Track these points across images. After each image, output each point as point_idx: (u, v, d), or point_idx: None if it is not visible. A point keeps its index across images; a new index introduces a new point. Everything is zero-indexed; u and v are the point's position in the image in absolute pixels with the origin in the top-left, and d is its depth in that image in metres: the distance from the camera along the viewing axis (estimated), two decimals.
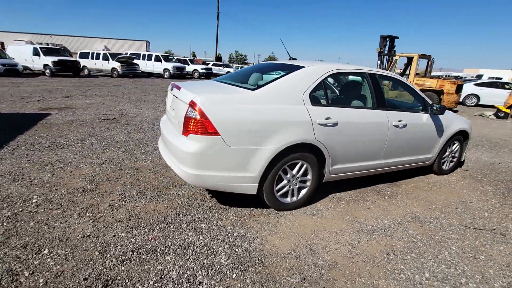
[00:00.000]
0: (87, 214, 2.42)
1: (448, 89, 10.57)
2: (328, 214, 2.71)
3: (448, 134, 3.64)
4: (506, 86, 12.51)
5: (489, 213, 2.93)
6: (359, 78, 3.13)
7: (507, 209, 3.04)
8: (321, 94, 2.74)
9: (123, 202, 2.67)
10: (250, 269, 1.90)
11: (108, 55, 18.56)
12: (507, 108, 9.72)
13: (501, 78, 24.86)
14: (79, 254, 1.93)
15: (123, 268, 1.84)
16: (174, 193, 2.92)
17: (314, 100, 2.63)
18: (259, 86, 2.57)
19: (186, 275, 1.82)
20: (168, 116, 3.01)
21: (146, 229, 2.27)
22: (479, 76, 24.05)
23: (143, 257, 1.95)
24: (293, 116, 2.47)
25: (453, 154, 3.95)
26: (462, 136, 3.91)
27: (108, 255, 1.94)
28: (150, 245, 2.08)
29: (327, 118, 2.61)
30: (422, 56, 11.58)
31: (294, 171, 2.62)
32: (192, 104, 2.25)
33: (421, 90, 11.16)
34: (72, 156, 3.71)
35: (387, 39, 12.52)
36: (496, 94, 11.89)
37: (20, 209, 2.41)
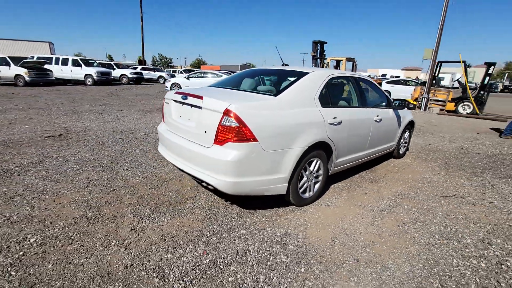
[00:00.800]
0: (112, 243, 2.14)
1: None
2: (339, 203, 3.04)
3: (403, 124, 4.47)
4: (408, 83, 15.52)
5: (446, 184, 3.76)
6: (347, 81, 3.57)
7: (454, 179, 3.95)
8: (326, 97, 3.05)
9: (144, 224, 2.44)
10: (312, 261, 2.05)
11: (9, 59, 15.30)
12: (414, 100, 12.12)
13: (398, 76, 30.83)
14: (138, 285, 1.74)
15: (196, 287, 1.75)
16: (192, 206, 2.80)
17: (323, 102, 2.91)
18: (278, 92, 2.71)
19: (261, 280, 1.85)
20: (176, 126, 2.85)
21: (190, 246, 2.16)
22: (384, 75, 28.98)
23: (208, 272, 1.89)
24: (312, 118, 2.70)
25: (405, 141, 4.84)
26: (410, 126, 4.83)
27: (171, 279, 1.81)
28: (207, 260, 2.01)
29: (334, 118, 2.93)
30: (349, 59, 13.39)
31: (311, 168, 2.86)
32: (228, 112, 2.25)
33: None
34: (40, 183, 3.11)
35: (318, 44, 14.02)
36: (403, 90, 14.65)
37: (21, 253, 1.97)
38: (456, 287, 1.88)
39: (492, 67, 10.25)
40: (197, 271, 1.89)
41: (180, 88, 15.94)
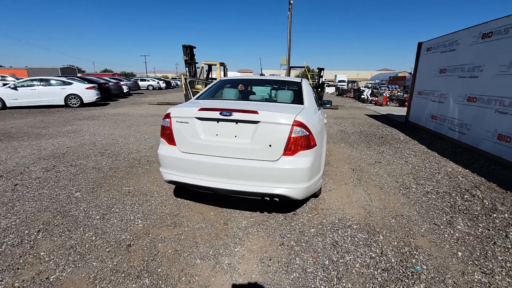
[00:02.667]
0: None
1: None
2: (330, 185, 3.78)
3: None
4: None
5: (363, 156, 5.33)
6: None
7: (360, 151, 5.64)
8: (315, 99, 3.62)
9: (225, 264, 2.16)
10: (378, 231, 2.65)
11: None
12: None
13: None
14: None
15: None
16: (244, 229, 2.66)
17: (317, 104, 3.49)
18: (300, 101, 3.03)
19: (348, 241, 2.26)
20: (210, 146, 2.55)
21: (300, 257, 2.20)
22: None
23: (326, 263, 2.08)
24: (322, 118, 3.24)
25: None
26: None
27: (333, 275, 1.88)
28: (322, 258, 2.17)
29: (323, 116, 3.60)
30: (222, 64, 14.37)
31: None
32: (297, 124, 2.39)
33: None
34: None
35: (188, 48, 14.07)
36: None
37: None
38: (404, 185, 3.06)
39: (323, 70, 14.31)
40: (323, 264, 2.04)
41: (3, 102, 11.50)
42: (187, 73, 14.21)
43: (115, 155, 5.02)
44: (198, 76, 14.21)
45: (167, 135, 2.74)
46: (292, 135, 2.41)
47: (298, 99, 3.12)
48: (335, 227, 2.69)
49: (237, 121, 2.50)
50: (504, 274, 2.07)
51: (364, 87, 18.63)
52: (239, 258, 2.21)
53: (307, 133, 2.44)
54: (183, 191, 3.43)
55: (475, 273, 2.08)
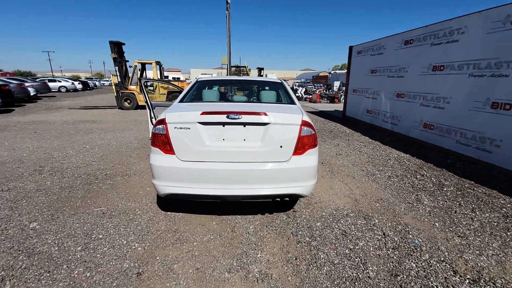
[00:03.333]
0: None
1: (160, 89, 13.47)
2: None
3: None
4: None
5: (333, 149, 5.80)
6: None
7: (326, 144, 6.12)
8: None
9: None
10: (371, 215, 2.96)
11: None
12: None
13: (179, 78, 34.40)
14: None
15: None
16: (258, 234, 2.61)
17: None
18: (291, 101, 3.10)
19: (353, 229, 2.52)
20: (217, 152, 2.40)
21: (326, 247, 2.29)
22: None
23: (347, 252, 2.26)
24: None
25: None
26: None
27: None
28: (340, 249, 2.32)
29: None
30: (158, 63, 13.35)
31: None
32: (305, 123, 2.46)
33: (168, 91, 13.17)
34: None
35: (115, 45, 12.59)
36: None
37: None
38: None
39: (262, 70, 14.84)
40: (344, 254, 2.20)
41: None
42: (117, 72, 12.76)
43: (59, 171, 4.19)
44: (131, 76, 12.90)
45: (162, 143, 2.45)
46: (301, 135, 2.47)
47: (288, 99, 3.20)
48: (336, 218, 2.88)
49: (245, 124, 2.41)
50: (474, 235, 2.60)
51: (298, 86, 20.10)
52: (266, 264, 2.17)
53: (313, 132, 2.54)
54: (170, 203, 3.12)
55: (454, 238, 2.55)
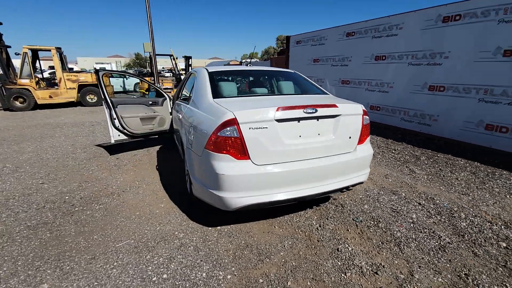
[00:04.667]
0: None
1: (105, 82, 11.27)
2: None
3: None
4: (126, 76, 15.62)
5: None
6: None
7: None
8: None
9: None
10: (395, 190, 3.33)
11: None
12: (146, 91, 13.02)
13: (72, 68, 28.20)
14: None
15: None
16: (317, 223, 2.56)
17: None
18: (321, 91, 3.09)
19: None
20: (295, 151, 2.19)
21: (393, 225, 2.46)
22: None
23: (410, 235, 2.55)
24: None
25: None
26: None
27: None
28: (407, 226, 2.57)
29: None
30: (58, 49, 10.57)
31: None
32: (365, 113, 2.52)
33: (79, 86, 10.77)
34: None
35: None
36: (119, 83, 14.62)
37: None
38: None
39: (190, 59, 13.83)
40: (411, 227, 2.48)
41: None
42: None
43: (3, 207, 2.94)
44: (20, 67, 9.83)
45: (235, 147, 2.05)
46: (364, 124, 2.52)
47: (317, 89, 3.16)
48: (373, 198, 3.11)
49: (318, 118, 2.28)
50: (470, 191, 3.30)
51: None
52: (365, 255, 2.17)
53: (369, 121, 2.63)
54: (204, 215, 2.68)
55: (462, 196, 3.17)
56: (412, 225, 2.57)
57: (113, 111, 4.28)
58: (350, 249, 2.24)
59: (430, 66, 5.41)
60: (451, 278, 1.93)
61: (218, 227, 2.53)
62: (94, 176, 3.78)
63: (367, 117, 2.57)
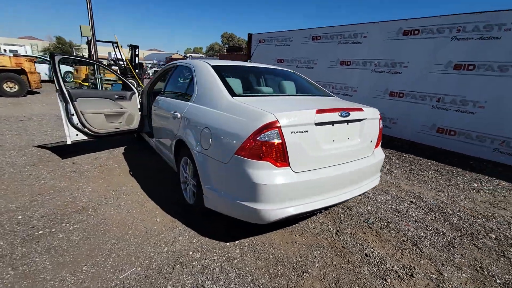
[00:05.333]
0: None
1: (29, 68, 9.29)
2: None
3: None
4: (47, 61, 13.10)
5: None
6: None
7: None
8: None
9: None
10: (387, 190, 3.52)
11: None
12: (84, 81, 11.23)
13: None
14: None
15: None
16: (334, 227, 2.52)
17: None
18: (326, 92, 3.02)
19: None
20: (329, 156, 2.08)
21: (401, 224, 2.57)
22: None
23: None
24: None
25: None
26: None
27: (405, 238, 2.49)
28: (412, 226, 2.72)
29: None
30: None
31: None
32: (381, 117, 2.55)
33: None
34: None
35: None
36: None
37: None
38: None
39: (137, 49, 12.47)
40: (418, 225, 2.66)
41: None
42: None
43: None
44: None
45: (275, 153, 1.82)
46: (380, 127, 2.56)
47: (322, 90, 3.09)
48: (371, 199, 3.22)
49: (348, 122, 2.20)
50: (443, 188, 3.71)
51: (151, 68, 18.38)
52: (393, 257, 2.19)
53: (382, 125, 2.68)
54: (219, 228, 2.37)
55: (440, 193, 3.54)
56: (416, 224, 2.73)
57: (71, 105, 3.49)
58: (376, 253, 2.24)
59: (391, 74, 5.96)
60: (471, 272, 2.09)
61: (237, 241, 2.25)
62: (50, 187, 3.01)
63: (381, 121, 2.62)
